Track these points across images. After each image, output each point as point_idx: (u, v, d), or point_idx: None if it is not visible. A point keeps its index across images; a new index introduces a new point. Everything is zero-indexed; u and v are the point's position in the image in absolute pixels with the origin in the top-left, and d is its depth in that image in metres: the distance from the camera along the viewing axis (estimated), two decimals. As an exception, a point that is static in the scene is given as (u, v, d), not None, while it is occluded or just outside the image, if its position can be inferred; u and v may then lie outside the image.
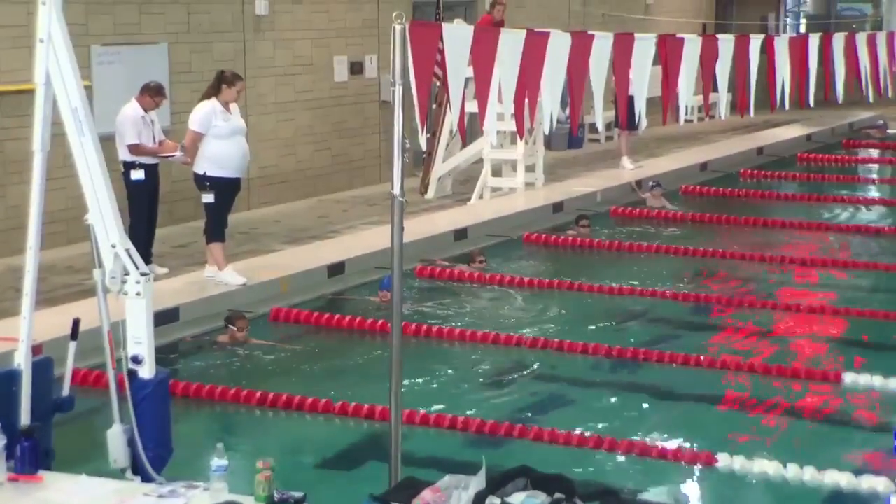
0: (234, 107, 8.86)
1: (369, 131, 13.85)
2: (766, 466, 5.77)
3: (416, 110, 4.98)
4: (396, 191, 4.69)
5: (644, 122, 14.70)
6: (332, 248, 10.33)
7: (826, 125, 17.92)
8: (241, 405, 6.75)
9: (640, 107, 6.78)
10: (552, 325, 8.62)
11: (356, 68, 13.86)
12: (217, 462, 4.02)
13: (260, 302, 8.68)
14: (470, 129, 13.08)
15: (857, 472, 5.68)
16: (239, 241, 10.36)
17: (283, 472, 4.74)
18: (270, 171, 12.78)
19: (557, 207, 12.47)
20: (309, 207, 12.72)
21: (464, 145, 13.17)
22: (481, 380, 7.44)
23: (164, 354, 6.60)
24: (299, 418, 6.64)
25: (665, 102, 6.71)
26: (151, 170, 9.22)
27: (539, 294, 9.54)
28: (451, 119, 12.39)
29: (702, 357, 7.62)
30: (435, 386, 7.25)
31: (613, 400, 7.08)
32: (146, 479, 4.42)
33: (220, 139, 8.66)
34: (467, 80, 5.61)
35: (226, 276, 8.76)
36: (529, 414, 6.78)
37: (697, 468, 5.93)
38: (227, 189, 8.78)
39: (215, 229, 8.83)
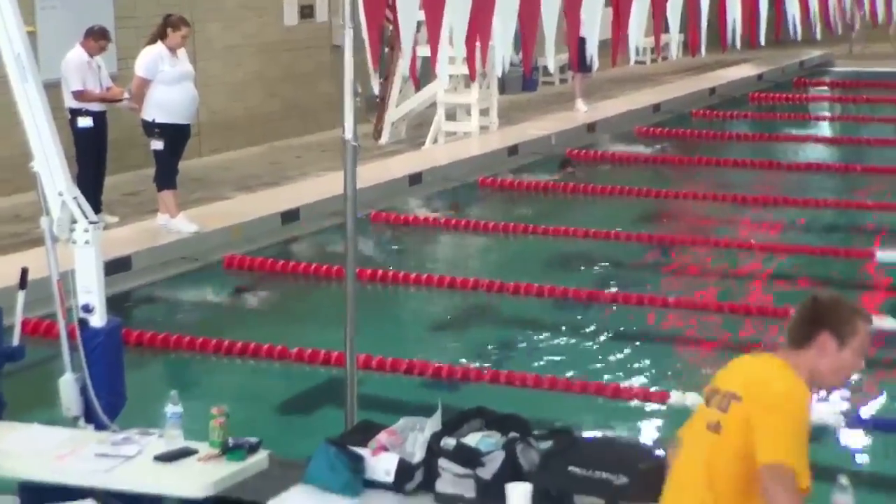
0: (181, 52, 8.72)
1: (321, 76, 13.69)
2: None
3: (367, 54, 4.92)
4: (349, 136, 4.65)
5: (595, 64, 14.69)
6: (286, 194, 10.26)
7: (777, 65, 17.99)
8: (196, 353, 6.73)
9: (592, 48, 6.75)
10: (508, 269, 8.65)
11: (306, 12, 13.66)
12: (171, 409, 4.01)
13: (213, 249, 8.62)
14: (423, 74, 12.98)
15: (806, 407, 5.79)
16: (190, 188, 10.24)
17: (240, 418, 4.73)
18: (220, 117, 12.61)
19: (512, 151, 12.45)
20: (261, 154, 12.59)
21: (417, 90, 13.07)
22: (437, 324, 7.47)
23: (118, 303, 6.54)
24: (255, 365, 6.64)
25: (616, 43, 6.69)
26: (99, 117, 9.07)
27: (495, 238, 9.55)
28: (403, 63, 12.28)
29: (656, 297, 7.70)
30: (391, 331, 7.26)
31: (569, 341, 7.14)
32: (99, 426, 4.40)
33: (168, 85, 8.53)
34: (419, 23, 5.55)
35: (178, 223, 8.68)
36: (486, 356, 6.82)
37: (651, 406, 6.02)
38: (176, 135, 8.67)
39: (166, 176, 8.73)
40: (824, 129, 14.72)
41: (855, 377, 5.68)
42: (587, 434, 5.34)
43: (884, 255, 8.41)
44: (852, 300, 3.21)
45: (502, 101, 14.03)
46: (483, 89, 12.98)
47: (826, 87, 17.65)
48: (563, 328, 7.38)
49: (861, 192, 10.65)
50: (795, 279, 8.27)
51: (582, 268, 8.73)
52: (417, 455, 3.90)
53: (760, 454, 2.92)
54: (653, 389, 6.17)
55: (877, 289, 7.99)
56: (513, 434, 3.99)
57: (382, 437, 3.99)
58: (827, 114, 15.91)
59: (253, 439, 4.00)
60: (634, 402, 6.08)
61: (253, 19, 13.01)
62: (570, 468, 3.81)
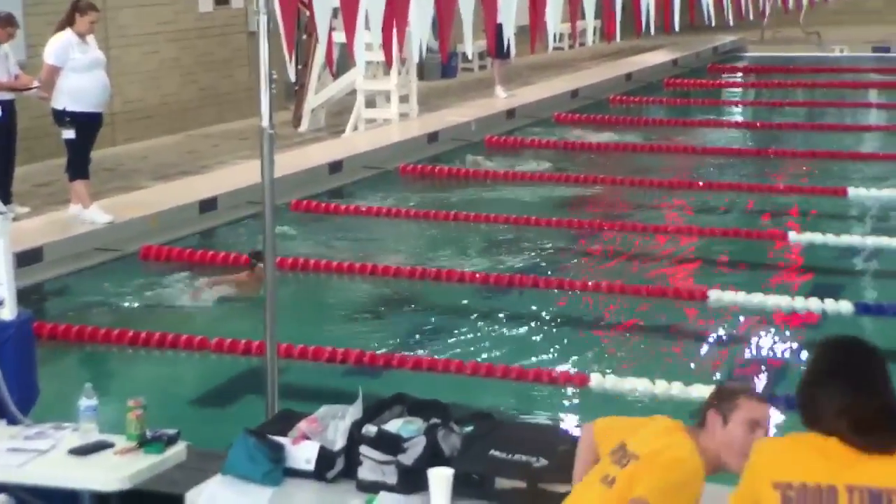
0: (91, 39, 8.53)
1: (237, 63, 13.52)
2: (636, 384, 5.95)
3: (282, 40, 4.86)
4: (265, 123, 4.60)
5: (513, 51, 14.73)
6: (203, 183, 10.12)
7: (691, 50, 18.26)
8: (112, 345, 6.61)
9: (510, 35, 6.76)
10: (430, 255, 8.66)
11: (222, -3, 13.49)
12: (86, 402, 3.92)
13: (128, 240, 8.46)
14: (343, 60, 12.90)
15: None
16: (104, 178, 10.04)
17: (158, 410, 4.65)
18: (135, 105, 12.38)
19: (433, 138, 12.45)
20: (177, 143, 12.40)
21: (335, 77, 12.99)
22: (359, 311, 7.44)
23: (29, 295, 6.39)
24: (174, 356, 6.54)
25: (533, 30, 6.71)
26: (7, 105, 8.84)
27: (416, 224, 9.55)
28: (320, 50, 12.18)
29: (575, 281, 7.78)
30: (312, 319, 7.22)
31: (491, 326, 7.17)
32: (12, 421, 4.29)
33: (79, 72, 8.34)
34: (335, 9, 5.50)
35: (91, 214, 8.50)
36: (408, 343, 6.82)
37: (571, 389, 6.08)
38: (88, 124, 8.49)
39: (78, 166, 8.54)
40: (738, 114, 15.00)
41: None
42: (508, 418, 5.38)
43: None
44: (748, 384, 3.28)
45: (422, 87, 14.02)
46: (402, 76, 12.96)
47: (739, 73, 17.98)
48: (485, 314, 7.41)
49: (774, 176, 10.87)
50: (712, 261, 8.41)
51: (503, 253, 8.77)
52: (338, 443, 3.88)
53: (633, 492, 2.96)
54: (573, 373, 6.23)
55: (790, 269, 8.17)
56: (434, 420, 3.99)
57: (303, 425, 3.96)
58: (740, 99, 16.22)
59: (171, 431, 3.95)
60: (555, 386, 6.13)
61: (167, 6, 12.79)
62: (491, 452, 3.83)
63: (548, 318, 7.25)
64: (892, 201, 9.77)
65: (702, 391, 5.80)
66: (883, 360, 2.69)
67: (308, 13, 5.03)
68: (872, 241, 8.51)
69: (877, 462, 2.57)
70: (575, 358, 6.59)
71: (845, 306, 6.98)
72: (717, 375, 6.25)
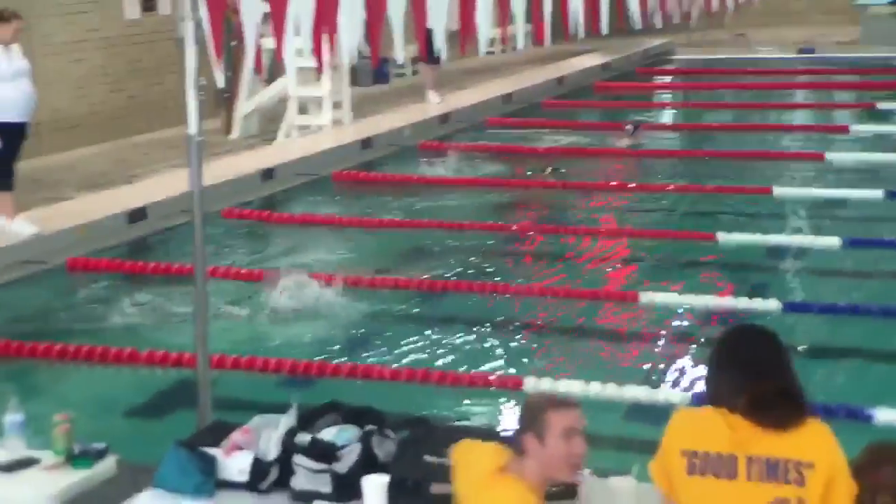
0: (15, 48, 8.36)
1: (166, 70, 13.35)
2: (570, 386, 5.98)
3: (209, 47, 4.81)
4: (193, 131, 4.56)
5: (444, 55, 14.75)
6: (133, 193, 9.98)
7: (621, 53, 18.46)
8: (39, 359, 6.48)
9: (440, 40, 6.77)
10: (364, 262, 8.63)
11: (149, 4, 13.31)
12: (12, 417, 3.85)
13: (55, 252, 8.31)
14: (274, 67, 12.81)
15: (654, 386, 5.98)
16: (30, 189, 9.84)
17: (88, 425, 4.59)
18: (62, 114, 12.17)
19: (366, 144, 12.42)
20: (106, 152, 12.21)
21: (266, 83, 12.90)
22: (293, 320, 7.38)
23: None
24: (103, 370, 6.43)
25: (463, 34, 6.73)
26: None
27: (350, 231, 9.52)
28: (249, 56, 12.09)
29: (509, 285, 7.81)
30: (245, 329, 7.16)
31: (426, 332, 7.16)
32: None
33: (3, 82, 8.18)
34: (265, 14, 5.46)
35: (16, 226, 8.34)
36: (343, 351, 6.79)
37: (506, 393, 6.10)
38: (12, 135, 8.32)
39: (2, 178, 8.37)
40: (668, 116, 15.19)
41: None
42: (444, 423, 5.38)
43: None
44: (550, 394, 3.34)
45: (355, 93, 13.98)
46: (335, 82, 12.91)
47: (668, 75, 18.22)
48: (420, 319, 7.40)
49: (703, 176, 11.02)
50: (643, 263, 8.51)
51: (437, 259, 8.78)
52: (272, 453, 3.85)
53: None
54: (508, 376, 6.25)
55: (719, 269, 8.29)
56: (369, 427, 3.99)
57: (236, 436, 3.93)
58: (670, 100, 16.43)
59: (99, 445, 3.89)
60: (490, 390, 6.15)
61: (93, 13, 12.60)
62: (426, 457, 3.83)
63: (482, 322, 7.26)
64: (816, 200, 9.97)
65: (635, 392, 5.87)
66: (781, 347, 2.92)
67: (237, 19, 4.99)
68: (798, 239, 8.68)
69: (775, 436, 2.79)
70: (510, 361, 6.62)
71: (773, 304, 7.10)
72: (651, 376, 6.31)
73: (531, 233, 9.36)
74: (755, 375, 2.84)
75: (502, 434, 4.26)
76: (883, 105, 14.14)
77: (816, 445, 2.82)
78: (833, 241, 8.42)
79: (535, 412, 3.18)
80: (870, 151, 11.38)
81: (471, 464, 3.29)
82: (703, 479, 2.82)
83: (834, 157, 11.25)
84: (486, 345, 6.92)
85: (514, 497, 3.10)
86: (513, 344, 6.98)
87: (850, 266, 8.20)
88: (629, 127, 12.74)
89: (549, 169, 11.29)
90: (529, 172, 11.17)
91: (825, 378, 6.28)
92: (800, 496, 2.76)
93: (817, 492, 2.77)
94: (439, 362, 6.56)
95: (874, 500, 2.76)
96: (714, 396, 2.92)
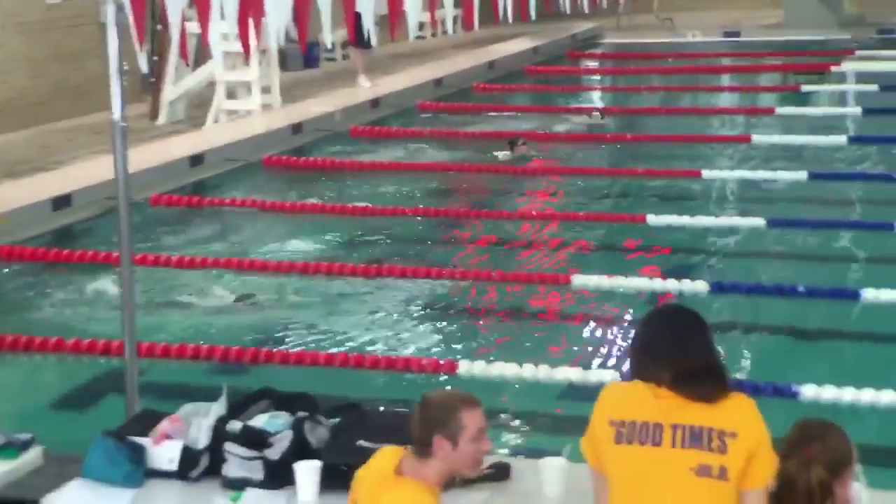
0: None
1: (89, 55, 13.10)
2: (503, 369, 6.01)
3: (132, 31, 4.72)
4: (117, 117, 4.49)
5: (374, 39, 14.66)
6: (56, 179, 9.78)
7: (550, 38, 18.54)
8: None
9: (369, 24, 6.73)
10: (296, 247, 8.57)
11: (70, -13, 13.05)
12: (-67, 412, 3.76)
13: (-23, 241, 8.12)
14: (201, 51, 12.64)
15: (586, 367, 6.04)
16: (-50, 177, 9.63)
17: (14, 415, 4.51)
18: (-18, 101, 11.89)
19: (297, 129, 12.32)
20: (28, 138, 11.95)
21: (192, 68, 12.72)
22: (224, 307, 7.31)
23: None
24: (29, 360, 6.30)
25: (393, 18, 6.70)
26: None
27: (282, 217, 9.44)
28: (174, 41, 11.90)
29: (443, 269, 7.81)
30: (174, 316, 7.07)
31: (359, 317, 7.15)
32: None
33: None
34: (189, -3, 5.38)
35: (-63, 215, 8.12)
36: (275, 337, 6.74)
37: (441, 377, 6.11)
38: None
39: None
40: (597, 100, 15.30)
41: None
42: (377, 408, 5.37)
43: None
44: (454, 393, 3.28)
45: (284, 78, 13.85)
46: (263, 66, 12.78)
47: (597, 60, 18.36)
48: (353, 304, 7.38)
49: (632, 160, 11.13)
50: (575, 246, 8.56)
51: (370, 243, 8.75)
52: (202, 441, 3.82)
53: None
54: (442, 360, 6.26)
55: (649, 251, 8.38)
56: (301, 413, 3.97)
57: (165, 424, 3.88)
58: (599, 85, 16.55)
59: (25, 435, 3.83)
60: (425, 374, 6.15)
61: (11, -3, 12.32)
62: (360, 442, 3.83)
63: (416, 306, 7.27)
64: (743, 182, 10.12)
65: (568, 374, 5.92)
66: (704, 325, 3.03)
67: (161, 3, 4.90)
68: (725, 221, 8.81)
69: (701, 407, 2.90)
70: (443, 345, 6.63)
71: (701, 286, 7.20)
72: (584, 357, 6.37)
73: (464, 217, 9.37)
74: (680, 352, 2.93)
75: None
76: (807, 87, 14.40)
77: (740, 417, 2.90)
78: (759, 222, 8.56)
79: (446, 413, 3.09)
80: (794, 133, 11.59)
81: (369, 465, 3.23)
82: (629, 447, 2.90)
83: (760, 139, 11.44)
84: (420, 329, 6.92)
85: (414, 499, 3.05)
86: (447, 328, 6.99)
87: (776, 246, 8.35)
88: (596, 113, 12.83)
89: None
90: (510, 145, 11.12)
91: (753, 356, 6.40)
92: (722, 463, 2.83)
93: (739, 461, 2.84)
94: (373, 347, 6.55)
95: (809, 473, 2.82)
96: (640, 373, 3.00)
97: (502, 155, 11.16)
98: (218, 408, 3.93)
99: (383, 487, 3.11)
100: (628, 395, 2.99)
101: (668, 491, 2.85)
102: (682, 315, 3.09)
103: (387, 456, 3.23)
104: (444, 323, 7.08)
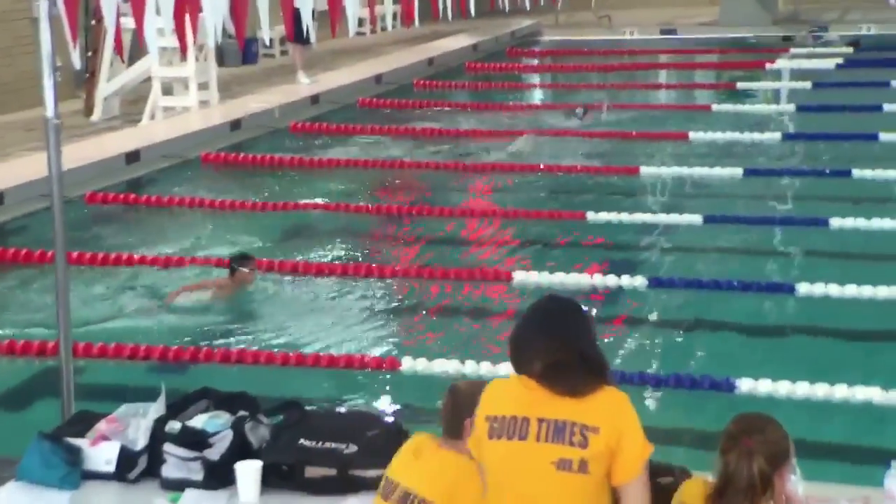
0: None
1: (21, 51, 12.83)
2: (446, 366, 6.02)
3: (65, 25, 4.64)
4: (50, 113, 4.40)
5: (313, 35, 14.60)
6: (-11, 177, 9.58)
7: (490, 34, 18.59)
8: None
9: (307, 19, 6.69)
10: (234, 245, 8.49)
11: (2, -18, 12.80)
12: None
13: None
14: (137, 47, 12.45)
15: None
16: None
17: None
18: (-89, 96, 11.60)
19: (235, 125, 12.21)
20: (-41, 135, 11.70)
21: (127, 63, 12.53)
22: (161, 306, 7.22)
23: None
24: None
25: (333, 14, 6.67)
26: None
27: (220, 214, 9.34)
28: (110, 36, 11.73)
29: (385, 266, 7.79)
30: (110, 316, 6.96)
31: (300, 316, 7.10)
32: None
33: None
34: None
35: None
36: (214, 336, 6.67)
37: (383, 374, 6.09)
38: None
39: None
40: (537, 97, 15.38)
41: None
42: (319, 407, 5.34)
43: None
44: (479, 382, 3.33)
45: (222, 74, 13.73)
46: (200, 62, 12.64)
47: (536, 57, 18.44)
48: (293, 303, 7.33)
49: (571, 157, 11.19)
50: (516, 243, 8.59)
51: (310, 241, 8.70)
52: (140, 442, 3.77)
53: None
54: (384, 357, 6.25)
55: (589, 248, 8.44)
56: (241, 413, 3.93)
57: (102, 426, 3.82)
58: (539, 82, 16.63)
59: (-44, 441, 3.73)
60: (367, 372, 6.13)
61: (-58, -10, 12.04)
62: (301, 441, 3.80)
63: (357, 304, 7.24)
64: (681, 178, 10.24)
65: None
66: (583, 317, 3.06)
67: (95, -3, 4.82)
68: (663, 218, 8.90)
69: (568, 401, 2.94)
70: (386, 342, 6.62)
71: (640, 281, 7.28)
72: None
73: (405, 214, 9.36)
74: (550, 344, 2.96)
75: (382, 417, 4.25)
76: (742, 84, 14.61)
77: (605, 411, 2.94)
78: (696, 219, 8.67)
79: (473, 399, 3.17)
80: (730, 130, 11.75)
81: (402, 449, 3.34)
82: (499, 442, 2.96)
83: (697, 136, 11.58)
84: (363, 326, 6.89)
85: (460, 461, 3.16)
86: (389, 325, 6.98)
87: (712, 242, 8.46)
88: (579, 110, 12.85)
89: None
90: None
91: (690, 351, 6.48)
92: (582, 457, 2.89)
93: (599, 455, 2.90)
94: (315, 345, 6.51)
95: (750, 465, 2.86)
96: (515, 362, 3.04)
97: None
98: (156, 408, 3.88)
99: (426, 455, 3.22)
100: (504, 390, 3.04)
101: (530, 484, 2.92)
102: (558, 307, 3.09)
103: (422, 436, 3.34)
104: (386, 320, 7.07)
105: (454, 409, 3.26)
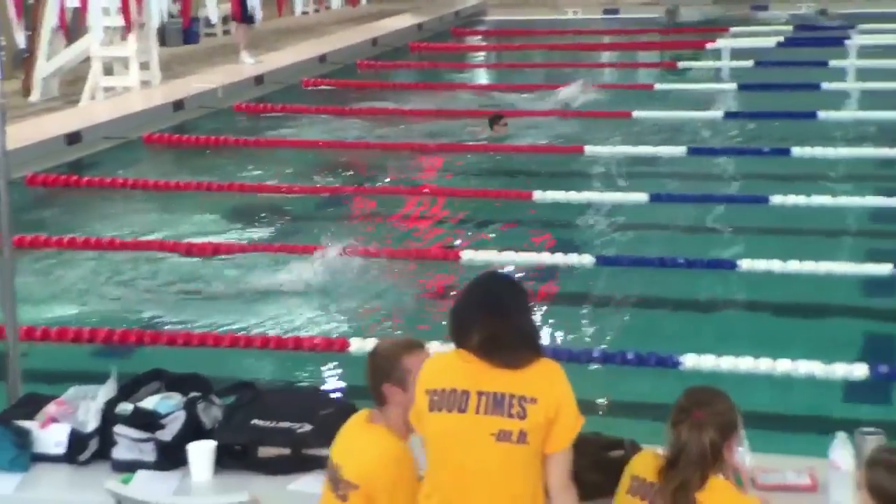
0: None
1: (-41, 29, 12.58)
2: (395, 344, 6.02)
3: (8, 4, 4.56)
4: (-6, 93, 4.32)
5: (259, 14, 14.48)
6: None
7: (434, 14, 18.55)
8: None
9: (254, -2, 6.67)
10: (178, 227, 8.42)
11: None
12: None
13: None
14: (76, 25, 12.26)
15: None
16: None
17: None
18: None
19: (178, 105, 12.07)
20: None
21: (68, 42, 12.32)
22: (108, 288, 7.15)
23: None
24: None
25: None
26: None
27: (164, 195, 9.25)
28: (51, 14, 11.54)
29: (331, 248, 7.77)
30: (58, 298, 6.88)
31: (247, 297, 7.07)
32: None
33: None
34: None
35: None
36: (162, 319, 6.62)
37: (332, 355, 6.09)
38: None
39: None
40: (482, 76, 15.39)
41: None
42: (271, 387, 5.34)
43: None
44: (398, 340, 3.38)
45: (163, 54, 13.55)
46: (141, 41, 12.46)
47: (481, 36, 18.45)
48: (241, 283, 7.29)
49: (518, 136, 11.23)
50: (464, 222, 8.61)
51: (255, 222, 8.65)
52: (91, 424, 3.74)
53: None
54: (333, 338, 6.25)
55: (536, 227, 8.50)
56: (194, 394, 3.92)
57: (51, 408, 3.79)
58: (484, 61, 16.65)
59: None
60: (316, 352, 6.13)
61: None
62: (254, 421, 3.80)
63: (304, 285, 7.21)
64: (625, 157, 10.33)
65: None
66: (521, 292, 3.14)
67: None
68: (609, 196, 8.98)
69: (506, 374, 3.01)
70: (334, 323, 6.62)
71: (587, 259, 7.34)
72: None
73: (352, 194, 9.34)
74: (487, 318, 3.02)
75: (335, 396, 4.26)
76: (684, 63, 14.76)
77: (542, 383, 3.01)
78: (641, 197, 8.76)
79: (389, 361, 3.22)
80: (673, 109, 11.87)
81: (344, 425, 3.33)
82: (440, 414, 3.02)
83: (640, 114, 11.68)
84: (311, 307, 6.88)
85: (384, 443, 3.18)
86: (337, 306, 6.97)
87: (657, 220, 8.56)
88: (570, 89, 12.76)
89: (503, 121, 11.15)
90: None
91: (636, 328, 6.57)
92: (521, 428, 2.96)
93: (538, 425, 2.98)
94: (264, 326, 6.49)
95: (701, 436, 2.92)
96: (454, 336, 3.09)
97: (482, 132, 11.08)
98: (106, 390, 3.85)
99: (356, 436, 3.22)
100: (444, 363, 3.09)
101: (470, 455, 2.98)
102: (496, 283, 3.18)
103: (359, 413, 3.34)
104: (335, 301, 7.05)
105: (372, 374, 3.25)
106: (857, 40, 15.05)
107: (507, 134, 11.01)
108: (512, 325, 3.03)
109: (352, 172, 10.12)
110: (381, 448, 3.17)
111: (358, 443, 3.21)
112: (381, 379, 3.22)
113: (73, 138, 10.48)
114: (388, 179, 9.86)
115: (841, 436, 3.44)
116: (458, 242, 7.98)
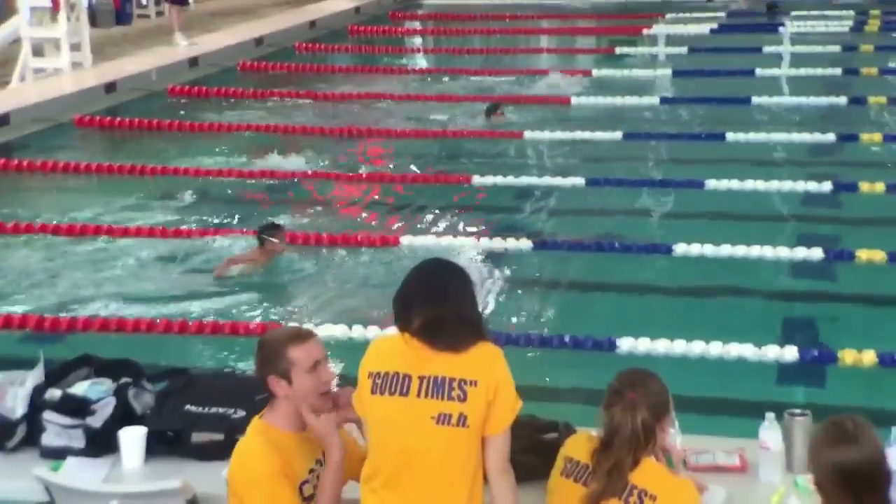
0: None
1: None
2: (333, 331, 5.99)
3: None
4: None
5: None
6: None
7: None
8: None
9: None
10: (110, 211, 8.28)
11: None
12: None
13: None
14: (4, 6, 11.99)
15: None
16: None
17: None
18: None
19: (110, 88, 11.88)
20: None
21: (-3, 22, 12.05)
22: (38, 274, 7.01)
23: None
24: None
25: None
26: None
27: (95, 179, 9.09)
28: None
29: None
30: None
31: (181, 282, 6.98)
32: None
33: None
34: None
35: None
36: (96, 304, 6.52)
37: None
38: None
39: None
40: (420, 61, 15.35)
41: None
42: (205, 372, 5.28)
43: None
44: (284, 330, 3.29)
45: (95, 35, 13.31)
46: (72, 22, 12.22)
47: (419, 20, 18.39)
48: (175, 269, 7.20)
49: (457, 121, 11.22)
50: (403, 207, 8.58)
51: (188, 207, 8.54)
52: (19, 410, 3.67)
53: None
54: (269, 323, 6.19)
55: (476, 211, 8.50)
56: (125, 379, 3.85)
57: (-23, 396, 3.70)
58: (422, 45, 16.59)
59: None
60: (252, 338, 6.06)
61: None
62: (187, 407, 3.75)
63: (239, 270, 7.13)
64: (563, 142, 10.37)
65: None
66: (463, 277, 3.17)
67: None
68: (547, 181, 9.02)
69: (447, 357, 3.04)
70: (272, 309, 6.56)
71: (525, 243, 7.36)
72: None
73: (289, 178, 9.25)
74: (428, 302, 3.06)
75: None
76: (621, 49, 14.85)
77: (482, 366, 3.04)
78: (578, 181, 8.81)
79: (273, 352, 3.14)
80: (610, 95, 11.94)
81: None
82: (382, 398, 3.05)
83: (578, 100, 11.73)
84: (247, 293, 6.81)
85: (243, 442, 3.14)
86: (275, 291, 6.91)
87: (594, 205, 8.61)
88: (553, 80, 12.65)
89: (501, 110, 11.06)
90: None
91: (573, 311, 6.60)
92: (461, 411, 3.00)
93: (478, 408, 3.01)
94: (199, 311, 6.41)
95: (634, 417, 2.95)
96: (397, 321, 3.12)
97: (480, 121, 10.93)
98: (34, 376, 3.77)
99: (238, 451, 3.17)
100: (387, 347, 3.12)
101: (411, 438, 3.01)
102: (438, 268, 3.20)
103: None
104: (273, 286, 6.99)
105: (260, 366, 3.18)
106: (790, 27, 15.27)
107: (504, 122, 10.94)
108: (451, 309, 3.05)
109: (289, 157, 10.02)
110: (240, 446, 3.14)
111: (239, 446, 3.17)
112: (266, 371, 3.15)
113: (2, 121, 10.26)
114: (325, 164, 9.78)
115: (769, 417, 3.49)
116: (396, 227, 7.94)
